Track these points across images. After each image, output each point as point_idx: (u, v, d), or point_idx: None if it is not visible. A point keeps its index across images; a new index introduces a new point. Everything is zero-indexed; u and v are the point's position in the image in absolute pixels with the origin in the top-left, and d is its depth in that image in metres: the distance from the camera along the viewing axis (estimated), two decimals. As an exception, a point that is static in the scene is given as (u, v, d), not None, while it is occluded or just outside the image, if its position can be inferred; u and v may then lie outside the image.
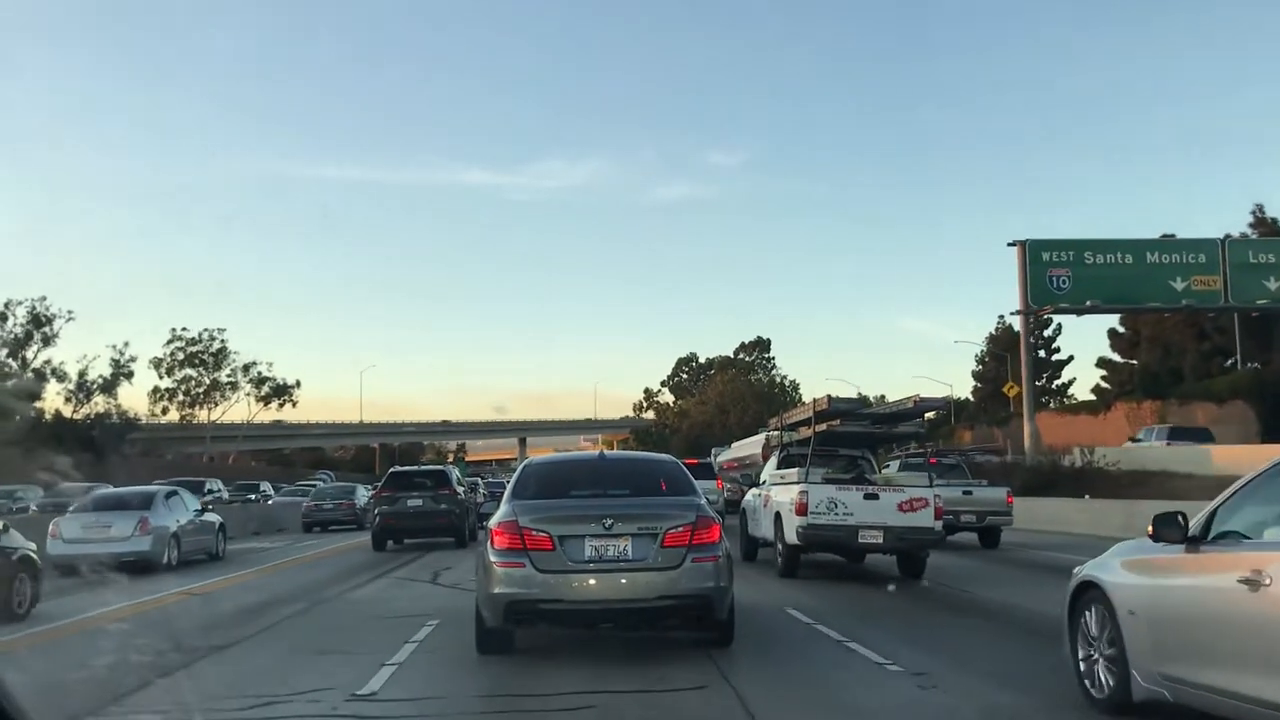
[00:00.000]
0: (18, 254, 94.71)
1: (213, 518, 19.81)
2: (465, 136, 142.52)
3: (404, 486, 21.42)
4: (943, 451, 25.34)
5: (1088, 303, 38.69)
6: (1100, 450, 34.32)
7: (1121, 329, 55.77)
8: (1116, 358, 57.05)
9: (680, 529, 7.53)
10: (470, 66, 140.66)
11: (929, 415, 18.46)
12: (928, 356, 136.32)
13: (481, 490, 33.29)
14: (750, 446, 36.28)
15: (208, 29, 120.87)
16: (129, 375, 57.58)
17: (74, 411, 55.31)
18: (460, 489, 22.57)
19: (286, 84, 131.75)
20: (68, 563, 15.03)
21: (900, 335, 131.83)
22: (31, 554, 11.35)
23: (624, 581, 7.42)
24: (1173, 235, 40.28)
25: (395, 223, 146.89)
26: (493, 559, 7.51)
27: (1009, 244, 38.81)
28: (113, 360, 56.72)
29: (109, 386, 56.53)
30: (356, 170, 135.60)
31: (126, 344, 58.62)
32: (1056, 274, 37.88)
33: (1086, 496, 26.94)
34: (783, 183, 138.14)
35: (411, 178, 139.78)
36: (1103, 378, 58.10)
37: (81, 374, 55.66)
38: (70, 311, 52.75)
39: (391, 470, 24.37)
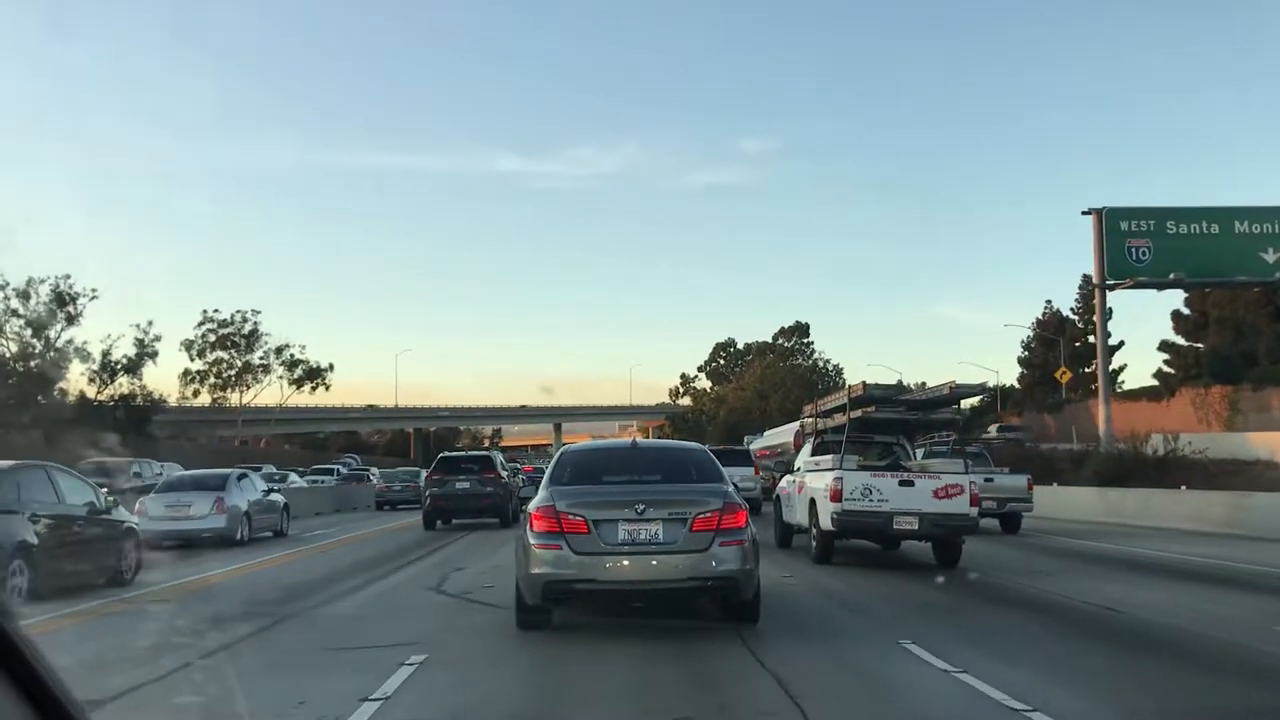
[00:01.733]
0: (43, 231, 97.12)
1: (277, 498, 22.10)
2: (499, 123, 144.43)
3: (453, 470, 23.62)
4: (962, 440, 25.82)
5: (1170, 276, 36.58)
6: (1185, 437, 32.85)
7: (1187, 310, 55.17)
8: (1181, 341, 56.48)
9: (708, 514, 8.16)
10: (504, 53, 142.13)
11: (972, 401, 18.91)
12: (973, 342, 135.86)
13: (521, 476, 35.16)
14: (783, 434, 37.07)
15: (242, 13, 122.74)
16: (153, 355, 57.62)
17: (98, 393, 55.40)
18: (504, 473, 24.82)
19: (320, 69, 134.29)
20: (153, 539, 16.57)
21: (944, 321, 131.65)
22: (135, 526, 13.32)
23: (655, 563, 8.08)
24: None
25: (430, 208, 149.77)
26: (532, 541, 8.21)
27: (1084, 212, 37.06)
28: (136, 340, 56.64)
29: (133, 367, 56.69)
30: (390, 156, 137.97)
31: (150, 323, 58.52)
32: (1136, 245, 36.13)
33: (1183, 487, 25.42)
34: (818, 167, 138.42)
35: (446, 163, 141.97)
36: (1165, 362, 57.57)
37: (105, 354, 55.61)
38: (94, 290, 52.52)
39: (441, 455, 26.11)
